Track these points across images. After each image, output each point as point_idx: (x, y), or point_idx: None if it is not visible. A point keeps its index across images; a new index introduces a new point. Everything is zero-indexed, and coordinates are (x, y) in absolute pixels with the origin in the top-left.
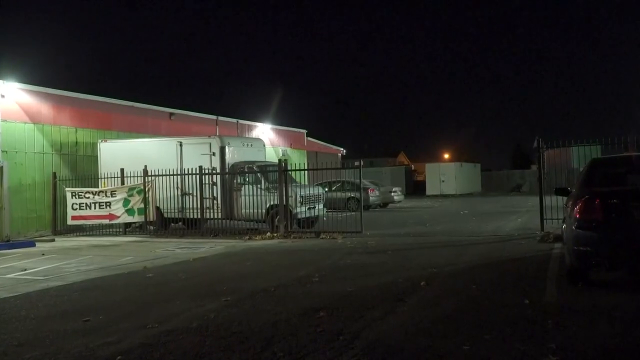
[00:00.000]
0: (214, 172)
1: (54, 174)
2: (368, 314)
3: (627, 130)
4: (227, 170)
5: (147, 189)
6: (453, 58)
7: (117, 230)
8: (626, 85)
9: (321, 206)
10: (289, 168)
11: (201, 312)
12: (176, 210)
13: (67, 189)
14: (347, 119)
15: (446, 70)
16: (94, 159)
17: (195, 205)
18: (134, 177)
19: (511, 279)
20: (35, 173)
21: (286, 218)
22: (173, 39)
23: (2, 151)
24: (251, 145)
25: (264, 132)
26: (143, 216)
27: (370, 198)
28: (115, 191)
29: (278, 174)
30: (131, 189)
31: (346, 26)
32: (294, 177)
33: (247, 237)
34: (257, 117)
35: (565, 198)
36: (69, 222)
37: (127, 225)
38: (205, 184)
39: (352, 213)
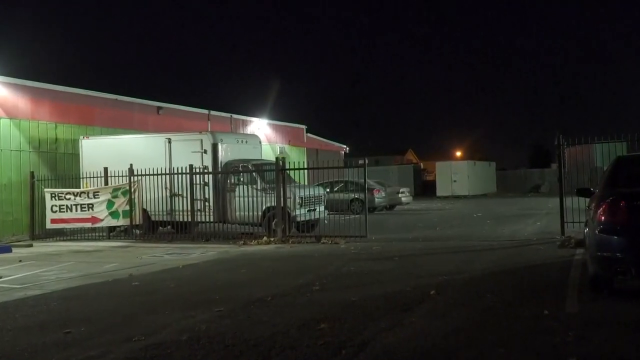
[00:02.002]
0: (206, 171)
1: (32, 174)
2: (373, 326)
3: None
4: (219, 169)
5: (132, 190)
6: (466, 49)
7: (101, 234)
8: None
9: (322, 208)
10: (287, 167)
11: (192, 323)
12: (164, 213)
13: (46, 189)
14: (351, 114)
15: (458, 62)
16: (75, 157)
17: (185, 208)
18: (118, 176)
19: (529, 287)
20: (11, 172)
21: (284, 221)
22: (161, 27)
23: None
24: (246, 142)
25: (260, 127)
26: (128, 219)
27: (376, 199)
28: (98, 192)
29: (275, 173)
30: (115, 189)
31: (350, 15)
32: (293, 177)
33: (242, 242)
34: (252, 112)
35: (587, 199)
36: (48, 225)
37: (111, 229)
38: (196, 184)
39: (356, 216)
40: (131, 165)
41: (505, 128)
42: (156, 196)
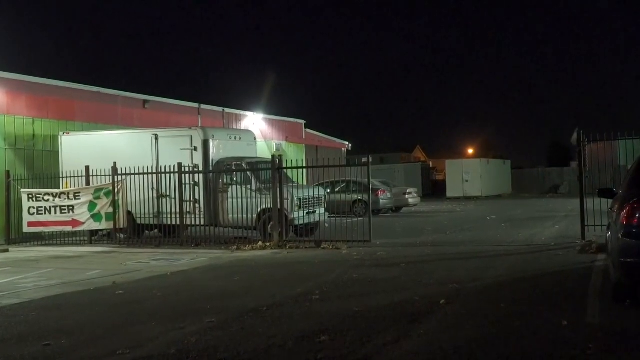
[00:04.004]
0: (196, 170)
1: (7, 173)
2: (378, 338)
3: None
4: (211, 168)
5: (116, 191)
6: (478, 39)
7: (82, 239)
8: None
9: (322, 210)
10: (284, 165)
11: (180, 335)
12: (151, 216)
13: (22, 190)
14: (354, 108)
15: (470, 54)
16: (54, 154)
17: (173, 210)
18: (101, 176)
19: (547, 296)
20: None
21: (281, 225)
22: (148, 15)
23: None
24: (240, 138)
25: (255, 122)
26: (112, 222)
27: (381, 201)
28: (79, 193)
29: (271, 172)
30: (98, 190)
31: (354, 4)
32: (290, 176)
33: (235, 247)
34: (246, 106)
35: (610, 201)
36: (25, 229)
37: (94, 233)
38: (185, 184)
39: (359, 219)
40: (115, 163)
41: (521, 123)
42: (142, 197)
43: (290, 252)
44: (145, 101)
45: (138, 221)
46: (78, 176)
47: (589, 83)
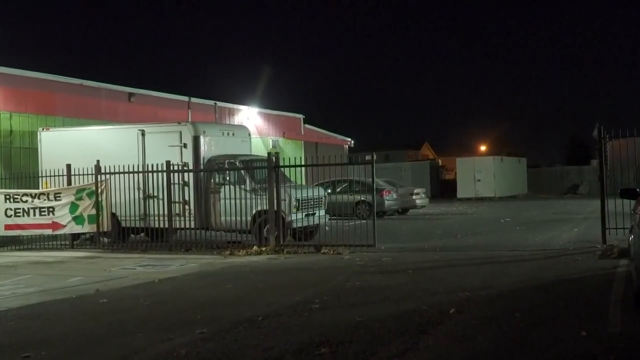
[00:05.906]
0: (186, 168)
1: None
2: (382, 351)
3: None
4: (202, 166)
5: (100, 191)
6: (490, 28)
7: (63, 242)
8: None
9: (322, 212)
10: (281, 163)
11: (169, 347)
12: (137, 218)
13: None
14: (356, 102)
15: (483, 43)
16: (33, 152)
17: (161, 212)
18: (83, 175)
19: (565, 305)
20: None
21: (278, 228)
22: (133, 2)
23: None
24: (233, 134)
25: (250, 117)
26: (95, 225)
27: (386, 202)
28: (59, 193)
29: (267, 171)
30: (80, 190)
31: None
32: (288, 176)
33: (228, 252)
34: (240, 99)
35: (633, 202)
36: (2, 232)
37: (75, 236)
38: (174, 184)
39: (363, 221)
40: (98, 161)
41: (537, 119)
42: (127, 198)
43: (288, 258)
44: (130, 94)
45: (123, 224)
46: (59, 175)
47: (611, 75)
